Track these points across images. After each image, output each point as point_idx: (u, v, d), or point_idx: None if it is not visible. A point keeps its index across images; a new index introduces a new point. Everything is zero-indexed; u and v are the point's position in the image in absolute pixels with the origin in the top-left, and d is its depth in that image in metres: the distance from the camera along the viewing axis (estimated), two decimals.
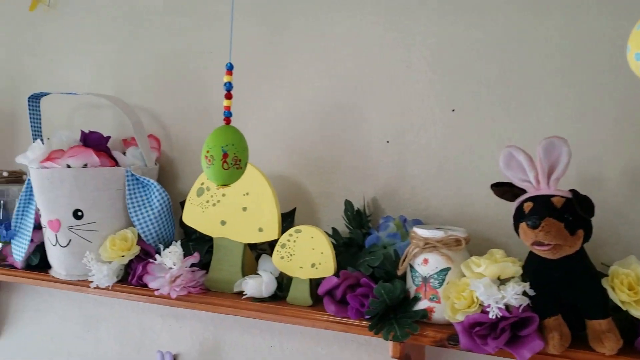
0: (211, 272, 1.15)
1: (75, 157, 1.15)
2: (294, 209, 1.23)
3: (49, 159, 1.17)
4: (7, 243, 1.31)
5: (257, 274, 1.10)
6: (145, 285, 1.14)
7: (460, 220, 1.11)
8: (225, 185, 0.88)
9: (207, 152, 0.88)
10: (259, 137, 1.26)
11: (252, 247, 1.19)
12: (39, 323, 1.54)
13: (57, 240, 1.19)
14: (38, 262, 1.28)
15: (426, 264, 0.96)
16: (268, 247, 1.21)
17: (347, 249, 1.11)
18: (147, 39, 1.40)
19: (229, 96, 0.90)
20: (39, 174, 1.18)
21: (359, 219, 1.13)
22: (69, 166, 1.16)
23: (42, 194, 1.19)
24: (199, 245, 1.20)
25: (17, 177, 1.41)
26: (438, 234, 0.95)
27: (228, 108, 0.90)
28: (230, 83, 0.90)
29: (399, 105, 1.16)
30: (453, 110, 1.12)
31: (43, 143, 1.21)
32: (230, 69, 0.90)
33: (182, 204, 1.27)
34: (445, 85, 1.13)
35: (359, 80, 1.19)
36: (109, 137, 1.27)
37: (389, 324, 0.95)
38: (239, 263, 1.13)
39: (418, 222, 1.10)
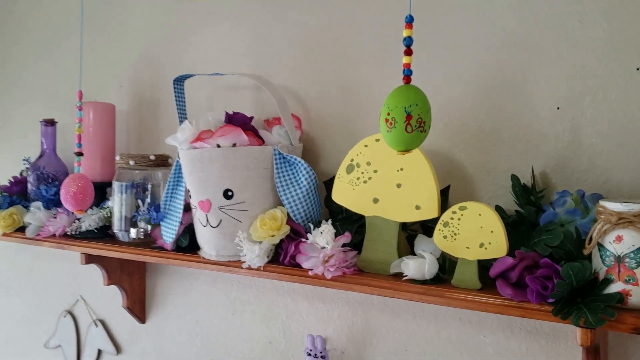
0: (365, 252, 1.09)
1: (226, 137, 1.13)
2: (448, 186, 1.15)
3: (198, 139, 1.16)
4: (156, 225, 1.32)
5: (414, 254, 1.03)
6: (297, 266, 1.10)
7: None
8: (407, 150, 0.80)
9: (388, 114, 0.81)
10: None
11: (401, 227, 1.12)
12: (185, 305, 1.56)
13: (207, 220, 1.18)
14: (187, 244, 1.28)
15: (620, 242, 0.84)
16: (420, 228, 1.13)
17: (514, 228, 1.01)
18: (285, 15, 1.36)
19: (408, 52, 0.82)
20: (189, 154, 1.18)
21: (528, 195, 1.03)
22: (218, 146, 1.15)
23: (193, 175, 1.18)
24: (347, 224, 1.15)
25: (163, 161, 1.43)
26: (634, 207, 0.83)
27: (408, 66, 0.81)
28: (410, 37, 0.81)
29: (571, 66, 1.03)
30: (638, 69, 0.98)
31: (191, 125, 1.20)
32: (410, 21, 0.82)
33: (326, 183, 1.22)
34: (628, 40, 0.99)
35: (523, 41, 1.08)
36: (252, 117, 1.25)
37: (578, 309, 0.84)
38: (395, 243, 1.06)
39: (598, 197, 0.97)
